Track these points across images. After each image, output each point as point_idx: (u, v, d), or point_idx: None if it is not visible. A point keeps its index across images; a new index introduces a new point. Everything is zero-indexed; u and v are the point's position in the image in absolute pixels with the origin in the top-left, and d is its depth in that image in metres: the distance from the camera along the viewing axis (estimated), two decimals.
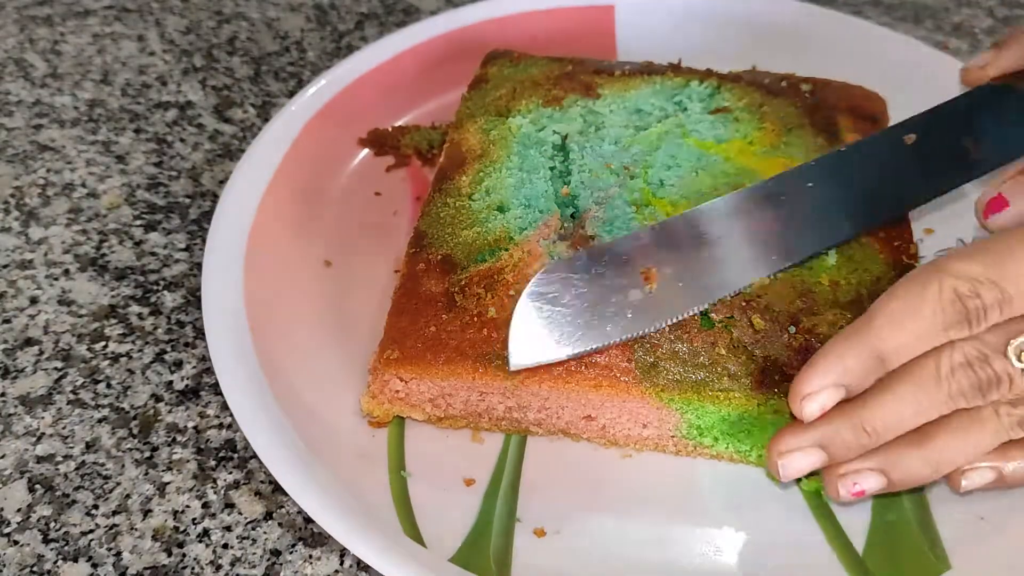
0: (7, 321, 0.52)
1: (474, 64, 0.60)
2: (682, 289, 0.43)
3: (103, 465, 0.46)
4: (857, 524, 0.43)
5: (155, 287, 0.54)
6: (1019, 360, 0.37)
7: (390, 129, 0.61)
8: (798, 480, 0.44)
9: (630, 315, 0.42)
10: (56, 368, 0.49)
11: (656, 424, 0.45)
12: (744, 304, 0.44)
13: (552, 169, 0.50)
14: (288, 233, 0.53)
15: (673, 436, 0.45)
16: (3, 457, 0.46)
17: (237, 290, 0.48)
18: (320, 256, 0.53)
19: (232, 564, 0.42)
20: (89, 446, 0.46)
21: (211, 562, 0.42)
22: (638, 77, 0.56)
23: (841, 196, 0.46)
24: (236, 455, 0.46)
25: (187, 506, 0.44)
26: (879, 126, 0.55)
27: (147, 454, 0.46)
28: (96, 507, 0.44)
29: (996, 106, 0.44)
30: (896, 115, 0.57)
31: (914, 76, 0.62)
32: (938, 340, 0.38)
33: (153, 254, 0.56)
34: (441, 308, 0.44)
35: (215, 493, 0.45)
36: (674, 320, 0.42)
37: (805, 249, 0.45)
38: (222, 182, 0.60)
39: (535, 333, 0.41)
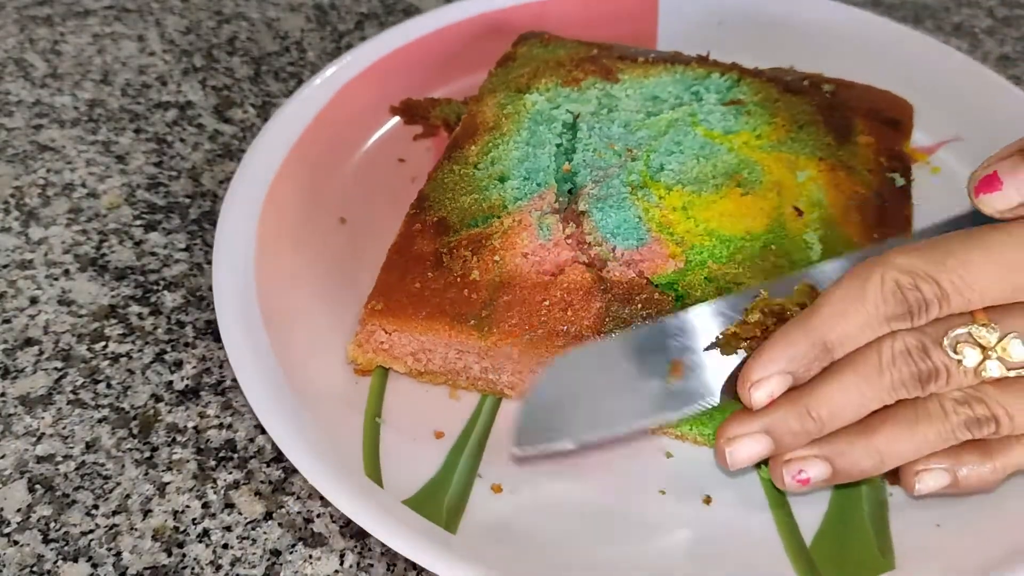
0: (7, 321, 0.52)
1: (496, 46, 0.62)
2: (704, 381, 0.41)
3: (103, 465, 0.46)
4: (812, 517, 0.43)
5: (155, 287, 0.54)
6: (955, 352, 0.38)
7: (423, 100, 0.62)
8: (758, 466, 0.44)
9: (647, 406, 0.41)
10: (56, 368, 0.49)
11: None
12: (716, 289, 0.45)
13: (559, 146, 0.52)
14: (308, 187, 0.55)
15: None
16: (3, 457, 0.46)
17: (249, 237, 0.50)
18: (336, 212, 0.55)
19: (232, 564, 0.42)
20: (89, 446, 0.46)
21: (211, 562, 0.42)
22: (660, 65, 0.57)
23: None
24: (236, 455, 0.46)
25: (187, 506, 0.44)
26: (900, 131, 0.55)
27: (147, 454, 0.46)
28: (96, 507, 0.44)
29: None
30: (925, 122, 0.57)
31: (960, 89, 0.62)
32: (881, 330, 0.39)
33: (153, 254, 0.56)
34: (428, 266, 0.46)
35: (215, 493, 0.45)
36: (686, 414, 0.41)
37: None
38: (222, 182, 0.60)
39: (544, 419, 0.41)
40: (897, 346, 0.38)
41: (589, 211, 0.48)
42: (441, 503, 0.43)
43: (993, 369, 0.38)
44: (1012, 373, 0.38)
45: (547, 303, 0.44)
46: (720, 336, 0.42)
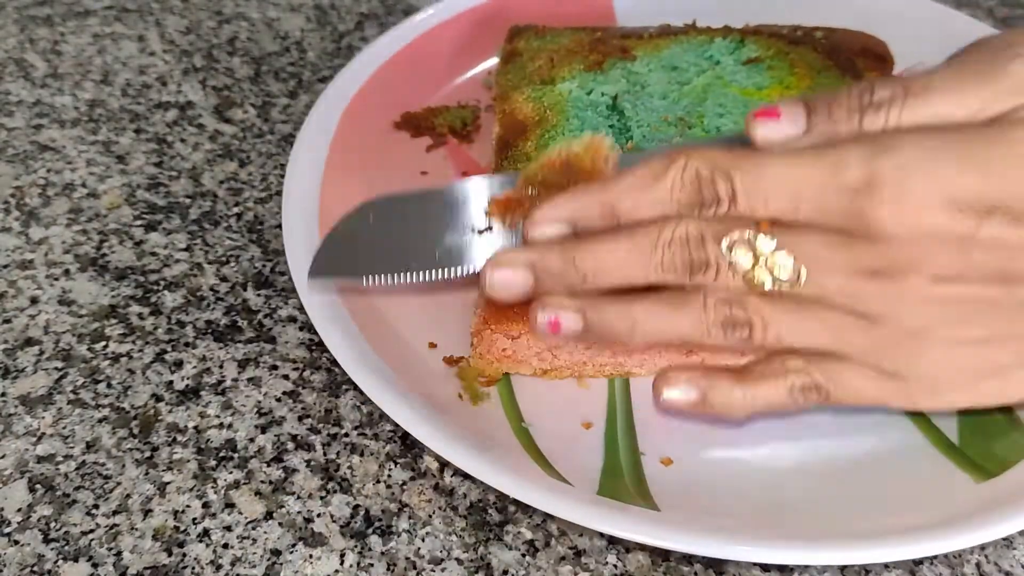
0: (7, 321, 0.52)
1: (482, 44, 0.63)
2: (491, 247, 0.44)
3: (103, 465, 0.46)
4: (945, 417, 0.46)
5: (155, 287, 0.54)
6: (730, 252, 0.38)
7: (422, 111, 0.63)
8: None
9: (433, 258, 0.44)
10: (56, 368, 0.49)
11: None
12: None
13: (611, 127, 0.53)
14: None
15: None
16: (3, 457, 0.46)
17: (336, 302, 0.48)
18: None
19: (232, 564, 0.42)
20: (89, 446, 0.46)
21: (211, 562, 0.42)
22: (666, 38, 0.59)
23: None
24: (236, 455, 0.46)
25: (187, 506, 0.44)
26: (887, 65, 0.58)
27: (147, 454, 0.46)
28: (96, 507, 0.44)
29: None
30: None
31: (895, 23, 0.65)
32: (669, 210, 0.39)
33: (153, 254, 0.56)
34: None
35: (215, 493, 0.45)
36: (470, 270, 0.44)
37: None
38: (222, 182, 0.60)
39: (339, 254, 0.45)
40: (678, 230, 0.39)
41: None
42: (626, 487, 0.43)
43: (762, 278, 0.38)
44: (779, 287, 0.38)
45: None
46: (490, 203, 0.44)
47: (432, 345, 0.49)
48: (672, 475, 0.44)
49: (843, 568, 0.43)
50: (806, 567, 0.43)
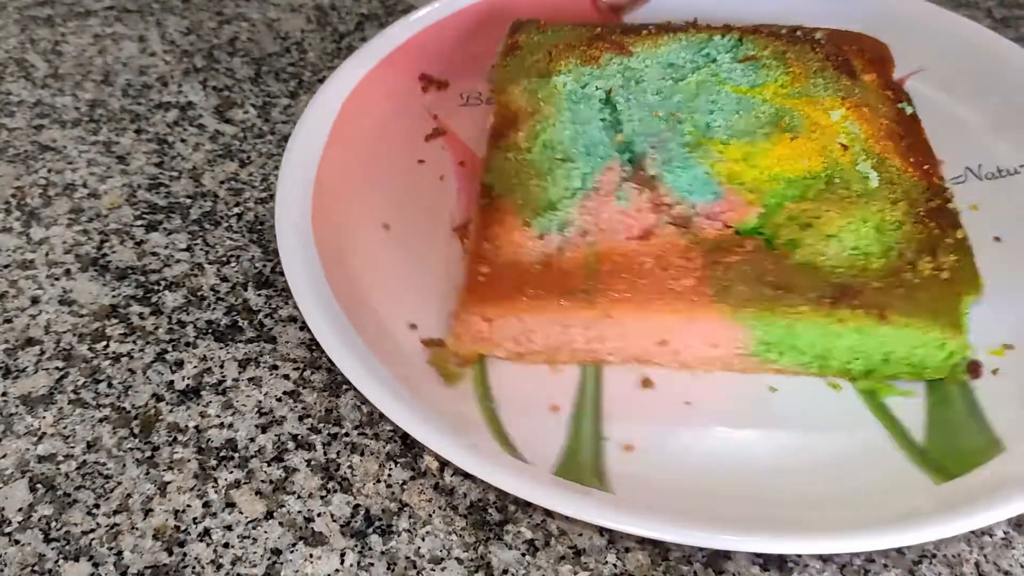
0: (8, 321, 0.52)
1: (483, 41, 0.64)
2: None
3: (104, 464, 0.46)
4: (915, 424, 0.47)
5: (156, 287, 0.54)
6: None
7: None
8: (853, 379, 0.49)
9: None
10: (57, 368, 0.50)
11: (726, 343, 0.48)
12: (800, 226, 0.48)
13: (603, 120, 0.54)
14: (346, 202, 0.56)
15: (740, 354, 0.48)
16: (4, 457, 0.46)
17: (318, 271, 0.50)
18: (378, 220, 0.56)
19: (233, 563, 0.42)
20: (90, 446, 0.46)
21: (212, 561, 0.42)
22: (665, 35, 0.60)
23: None
24: (237, 454, 0.46)
25: (188, 505, 0.44)
26: (887, 67, 0.59)
27: (148, 453, 0.46)
28: (97, 506, 0.44)
29: None
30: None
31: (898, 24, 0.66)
32: None
33: (154, 254, 0.56)
34: (523, 252, 0.47)
35: (216, 492, 0.45)
36: None
37: None
38: (223, 182, 0.60)
39: None
40: None
41: (660, 175, 0.50)
42: (582, 469, 0.44)
43: None
44: None
45: (647, 266, 0.46)
46: None
47: (412, 326, 0.51)
48: (632, 461, 0.45)
49: (842, 567, 0.43)
50: (805, 565, 0.43)
